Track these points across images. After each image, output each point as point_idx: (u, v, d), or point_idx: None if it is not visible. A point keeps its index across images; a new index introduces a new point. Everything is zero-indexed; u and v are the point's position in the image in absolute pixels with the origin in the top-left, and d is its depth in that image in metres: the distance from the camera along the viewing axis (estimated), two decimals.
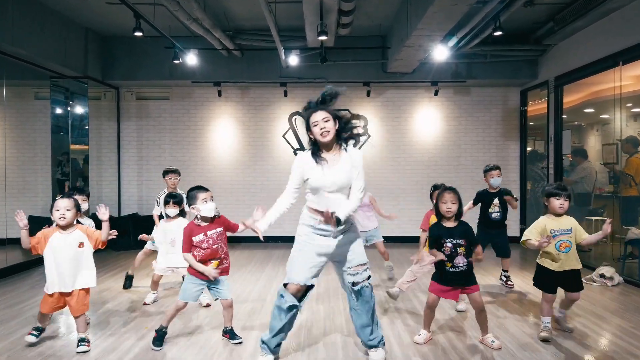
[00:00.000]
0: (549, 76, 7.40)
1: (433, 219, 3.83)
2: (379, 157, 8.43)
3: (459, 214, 3.49)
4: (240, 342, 3.54)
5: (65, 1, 6.28)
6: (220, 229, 3.52)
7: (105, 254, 7.27)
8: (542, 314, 3.70)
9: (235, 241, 7.93)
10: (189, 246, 3.45)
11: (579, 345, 3.55)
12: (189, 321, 4.10)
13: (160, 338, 3.48)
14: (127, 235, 7.76)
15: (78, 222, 3.67)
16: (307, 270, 3.09)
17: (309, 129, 3.07)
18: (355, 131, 3.17)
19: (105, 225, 3.48)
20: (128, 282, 5.23)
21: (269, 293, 5.02)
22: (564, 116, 7.33)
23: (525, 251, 7.69)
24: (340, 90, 3.12)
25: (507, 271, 5.32)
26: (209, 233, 3.46)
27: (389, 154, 8.48)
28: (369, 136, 8.48)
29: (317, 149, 3.08)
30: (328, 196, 3.02)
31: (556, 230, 3.57)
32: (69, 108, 7.58)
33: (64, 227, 3.42)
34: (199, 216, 3.47)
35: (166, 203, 4.45)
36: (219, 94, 8.12)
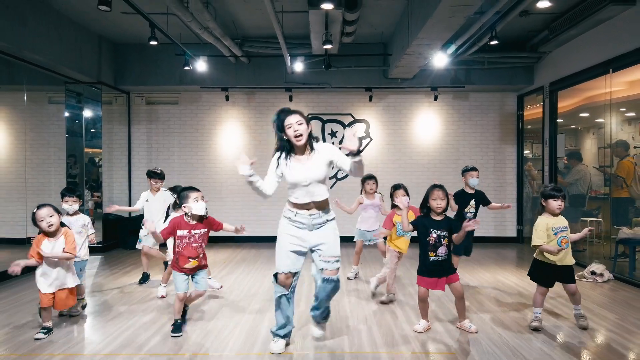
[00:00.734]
0: (544, 82, 7.70)
1: (396, 218, 4.39)
2: (380, 160, 8.71)
3: (445, 209, 3.80)
4: (180, 336, 3.75)
5: (81, 11, 6.58)
6: (204, 230, 3.81)
7: (117, 253, 7.56)
8: (534, 305, 3.98)
9: (231, 240, 8.22)
10: (168, 232, 3.73)
11: (568, 335, 3.83)
12: (203, 311, 4.38)
13: (178, 328, 3.78)
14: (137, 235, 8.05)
15: (62, 224, 3.93)
16: (286, 258, 3.38)
17: (282, 130, 3.33)
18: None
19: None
20: (143, 279, 5.57)
21: (260, 288, 5.31)
22: (560, 120, 7.61)
23: (523, 249, 7.97)
24: None
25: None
26: (192, 232, 3.75)
27: (390, 157, 8.77)
28: (371, 139, 8.78)
29: (289, 149, 3.38)
30: (306, 188, 3.32)
31: (557, 228, 3.85)
32: (83, 112, 7.87)
33: (52, 234, 3.73)
34: (189, 214, 3.75)
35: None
36: (227, 98, 8.42)
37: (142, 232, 5.50)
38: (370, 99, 8.53)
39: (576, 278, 5.61)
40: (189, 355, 3.39)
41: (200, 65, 7.38)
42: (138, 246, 5.52)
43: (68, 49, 6.83)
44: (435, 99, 8.46)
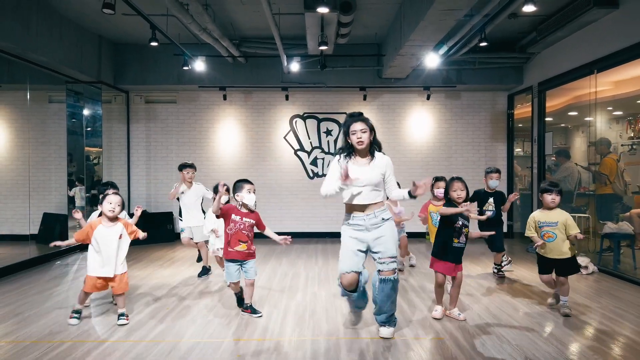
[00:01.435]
0: (533, 82, 7.93)
1: (432, 208, 4.78)
2: None
3: (466, 199, 4.04)
4: (261, 316, 4.14)
5: (82, 12, 6.74)
6: (253, 221, 4.12)
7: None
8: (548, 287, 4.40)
9: None
10: (221, 212, 4.03)
11: (552, 323, 4.05)
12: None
13: (253, 310, 4.17)
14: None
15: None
16: (349, 259, 3.60)
17: (347, 134, 3.65)
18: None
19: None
20: (202, 272, 5.78)
21: (273, 281, 5.52)
22: (549, 119, 7.85)
23: (514, 244, 8.20)
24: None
25: (499, 264, 5.79)
26: (244, 219, 4.08)
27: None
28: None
29: (351, 152, 3.66)
30: (358, 189, 3.55)
31: (542, 222, 4.15)
32: (83, 111, 8.03)
33: (110, 220, 3.94)
34: (241, 203, 4.08)
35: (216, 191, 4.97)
36: (224, 97, 8.60)
37: (181, 223, 5.77)
38: (364, 98, 8.73)
39: None
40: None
41: (199, 65, 7.56)
42: (182, 235, 5.73)
43: (69, 49, 6.98)
44: (428, 98, 8.67)
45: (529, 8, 5.07)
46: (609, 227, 6.18)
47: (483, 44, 6.11)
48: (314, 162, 8.99)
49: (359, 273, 3.62)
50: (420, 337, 3.66)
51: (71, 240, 4.03)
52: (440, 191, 4.98)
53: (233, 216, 4.05)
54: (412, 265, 6.27)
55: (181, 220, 5.83)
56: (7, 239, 7.52)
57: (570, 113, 8.05)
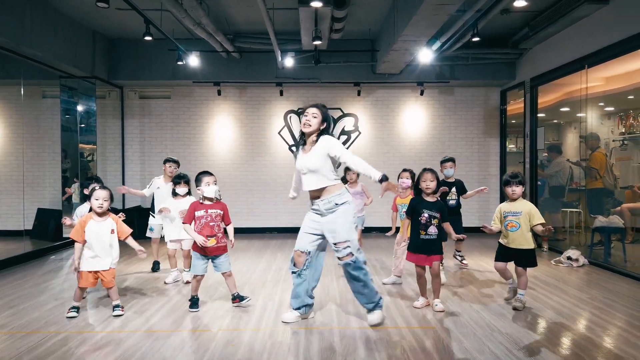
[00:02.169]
0: (525, 77, 8.00)
1: (398, 201, 4.87)
2: (368, 153, 8.97)
3: (436, 191, 4.10)
4: (249, 300, 4.21)
5: (76, 6, 6.74)
6: (219, 211, 4.10)
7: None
8: (504, 279, 4.39)
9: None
10: (190, 218, 4.04)
11: (542, 313, 4.12)
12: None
13: (195, 303, 4.10)
14: (132, 226, 8.22)
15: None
16: (303, 239, 3.76)
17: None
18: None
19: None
20: (156, 267, 5.79)
21: (268, 275, 5.56)
22: (542, 115, 7.92)
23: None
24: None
25: (460, 251, 6.04)
26: (209, 211, 4.05)
27: (378, 150, 9.03)
28: (359, 133, 9.03)
29: (305, 141, 3.79)
30: (304, 177, 3.71)
31: (507, 212, 4.16)
32: (77, 106, 8.03)
33: (100, 215, 3.94)
34: (202, 196, 4.06)
35: (177, 183, 5.04)
36: (219, 93, 8.61)
37: (152, 221, 5.65)
38: (358, 94, 8.77)
39: (552, 263, 5.96)
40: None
41: (193, 60, 7.57)
42: (149, 234, 5.67)
43: (63, 44, 6.98)
44: (422, 93, 8.72)
45: (520, 3, 5.13)
46: (599, 221, 6.27)
47: (475, 39, 6.17)
48: None
49: (308, 254, 3.75)
50: (413, 326, 3.71)
51: (77, 246, 3.92)
52: (404, 181, 5.03)
53: (196, 213, 4.01)
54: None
55: (153, 216, 5.59)
56: (2, 235, 7.51)
57: (562, 109, 8.13)
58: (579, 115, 7.07)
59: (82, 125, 8.23)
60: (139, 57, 8.35)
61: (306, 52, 7.93)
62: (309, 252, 3.76)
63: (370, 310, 3.75)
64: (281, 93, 8.66)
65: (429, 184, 4.06)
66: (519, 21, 7.24)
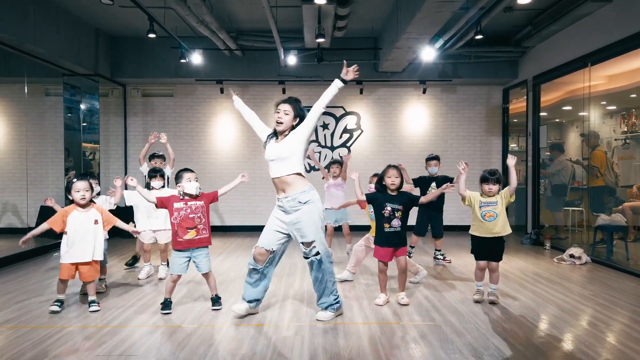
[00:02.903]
0: (528, 76, 8.00)
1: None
2: (370, 151, 8.98)
3: (400, 187, 4.14)
4: (220, 309, 4.03)
5: (79, 4, 6.76)
6: (201, 203, 4.00)
7: (114, 241, 7.74)
8: (475, 279, 4.36)
9: (226, 230, 8.45)
10: (161, 203, 3.93)
11: (544, 308, 4.13)
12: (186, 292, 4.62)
13: (167, 306, 3.97)
14: (134, 224, 8.25)
15: (92, 201, 4.17)
16: (268, 236, 3.73)
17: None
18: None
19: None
20: (132, 261, 5.80)
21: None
22: (544, 113, 7.92)
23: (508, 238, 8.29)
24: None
25: (440, 250, 6.08)
26: (188, 203, 3.95)
27: (380, 148, 9.04)
28: (362, 131, 9.04)
29: (274, 132, 3.76)
30: (270, 165, 3.67)
31: (484, 202, 4.18)
32: (80, 104, 8.04)
33: (83, 206, 3.95)
34: (182, 192, 3.98)
35: (152, 177, 5.06)
36: (221, 91, 8.63)
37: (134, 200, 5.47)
38: (361, 92, 8.78)
39: (555, 261, 5.96)
40: (195, 327, 3.64)
41: (196, 58, 7.58)
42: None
43: (66, 42, 6.99)
44: (424, 92, 8.72)
45: (523, 1, 5.15)
46: (602, 219, 6.27)
47: (479, 36, 6.18)
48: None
49: (272, 252, 3.75)
50: (416, 322, 3.72)
51: (43, 226, 3.92)
52: (372, 187, 4.93)
53: (175, 205, 3.91)
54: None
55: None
56: (5, 232, 7.52)
57: (565, 108, 8.13)
58: (581, 114, 7.07)
59: (85, 123, 8.25)
60: (142, 55, 8.37)
61: (309, 50, 7.93)
62: (274, 250, 3.73)
63: (321, 309, 3.80)
64: (284, 91, 8.66)
65: (393, 180, 4.10)
66: (522, 19, 7.24)
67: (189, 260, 3.98)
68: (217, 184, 8.91)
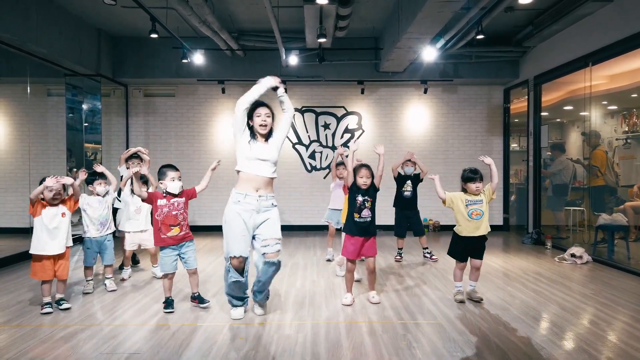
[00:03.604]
0: (529, 75, 8.01)
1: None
2: (372, 151, 8.94)
3: (371, 186, 4.17)
4: (208, 307, 4.06)
5: (81, 4, 6.77)
6: (182, 199, 3.99)
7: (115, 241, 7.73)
8: (455, 280, 4.36)
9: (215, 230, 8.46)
10: (148, 198, 3.91)
11: (545, 308, 4.13)
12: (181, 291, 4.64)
13: (170, 304, 4.00)
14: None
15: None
16: (242, 242, 3.61)
17: (250, 117, 3.71)
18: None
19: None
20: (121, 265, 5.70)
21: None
22: (545, 113, 7.93)
23: (509, 237, 8.30)
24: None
25: (426, 248, 6.13)
26: (171, 200, 3.94)
27: None
28: (363, 131, 9.05)
29: (252, 133, 3.74)
30: (259, 163, 3.65)
31: (470, 201, 4.20)
32: (82, 104, 8.06)
33: (54, 205, 4.01)
34: (165, 191, 3.96)
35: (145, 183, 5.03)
36: (223, 91, 8.64)
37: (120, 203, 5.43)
38: (362, 92, 8.79)
39: (556, 261, 5.97)
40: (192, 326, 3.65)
41: (198, 58, 7.59)
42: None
43: (68, 42, 7.01)
44: (425, 92, 8.73)
45: (524, 1, 5.15)
46: (603, 219, 6.28)
47: (480, 36, 6.19)
48: (312, 156, 9.05)
49: (246, 258, 3.68)
50: (418, 321, 3.73)
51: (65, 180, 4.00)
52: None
53: (159, 201, 3.90)
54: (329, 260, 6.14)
55: (119, 200, 5.37)
56: (7, 232, 7.54)
57: (566, 107, 8.14)
58: (582, 113, 7.07)
59: (87, 124, 8.26)
60: (144, 55, 8.39)
61: (310, 50, 7.95)
62: (247, 256, 3.70)
63: (262, 305, 3.90)
64: (285, 91, 8.65)
65: (365, 180, 4.13)
66: (523, 19, 7.25)
67: (177, 257, 4.00)
68: (219, 183, 8.97)
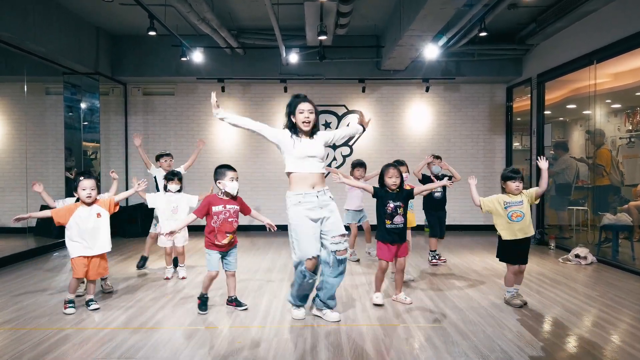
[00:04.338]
0: (532, 73, 7.92)
1: None
2: (373, 150, 8.91)
3: (400, 187, 4.10)
4: (246, 309, 4.02)
5: (80, 2, 6.70)
6: (237, 207, 3.97)
7: (115, 241, 7.66)
8: (506, 284, 4.22)
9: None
10: (202, 211, 3.86)
11: (549, 309, 4.06)
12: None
13: (204, 303, 3.96)
14: (136, 224, 8.22)
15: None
16: (314, 242, 3.58)
17: (292, 113, 3.63)
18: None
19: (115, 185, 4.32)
20: (142, 262, 5.69)
21: (272, 272, 5.51)
22: (548, 112, 7.84)
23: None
24: None
25: (434, 250, 5.96)
26: (227, 206, 3.90)
27: (383, 147, 8.97)
28: (364, 130, 8.94)
29: (295, 131, 3.68)
30: (309, 160, 3.60)
31: (508, 202, 4.08)
32: (80, 103, 7.99)
33: (88, 204, 3.94)
34: (223, 191, 3.91)
35: (169, 179, 5.03)
36: (223, 89, 8.56)
37: (156, 204, 5.31)
38: (363, 90, 8.71)
39: (560, 261, 5.90)
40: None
41: (197, 57, 7.51)
42: (154, 230, 5.46)
43: (67, 40, 6.94)
44: (427, 90, 8.65)
45: None
46: (607, 219, 6.20)
47: (483, 34, 6.08)
48: None
49: (318, 257, 3.64)
50: (420, 324, 3.66)
51: (46, 213, 3.97)
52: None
53: (214, 208, 3.84)
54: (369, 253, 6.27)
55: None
56: (5, 232, 7.47)
57: (569, 106, 8.06)
58: (585, 112, 7.00)
59: (86, 122, 8.19)
60: (143, 54, 8.31)
61: (311, 48, 7.87)
62: (318, 255, 3.65)
63: (334, 309, 3.79)
64: (285, 90, 8.60)
65: (395, 180, 4.04)
66: (526, 16, 7.16)
67: (222, 258, 3.98)
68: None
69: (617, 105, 7.27)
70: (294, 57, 7.72)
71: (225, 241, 3.86)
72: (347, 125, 3.81)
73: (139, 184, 4.30)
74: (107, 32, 8.11)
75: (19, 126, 7.71)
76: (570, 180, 7.71)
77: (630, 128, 7.05)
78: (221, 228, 3.85)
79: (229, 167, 3.96)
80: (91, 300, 4.02)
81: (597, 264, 5.90)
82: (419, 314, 3.91)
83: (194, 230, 6.00)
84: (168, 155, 5.83)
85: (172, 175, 5.09)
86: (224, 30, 6.85)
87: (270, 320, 3.77)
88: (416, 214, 5.42)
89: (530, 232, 4.08)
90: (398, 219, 4.02)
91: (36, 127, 8.10)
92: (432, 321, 3.73)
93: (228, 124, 3.73)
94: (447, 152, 8.94)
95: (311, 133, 3.69)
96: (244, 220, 4.16)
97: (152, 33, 6.02)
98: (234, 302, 4.07)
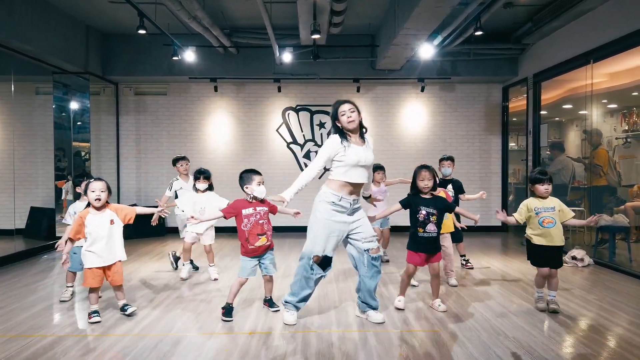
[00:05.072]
0: (528, 73, 7.85)
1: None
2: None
3: (434, 189, 3.95)
4: (278, 310, 3.99)
5: (68, 0, 6.57)
6: (266, 208, 3.89)
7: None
8: (536, 286, 4.14)
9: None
10: (230, 212, 3.80)
11: (547, 314, 3.98)
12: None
13: (229, 312, 3.84)
14: (128, 225, 8.07)
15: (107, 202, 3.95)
16: (330, 243, 3.60)
17: (336, 118, 3.63)
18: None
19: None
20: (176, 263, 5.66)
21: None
22: (544, 112, 7.77)
23: (507, 238, 8.15)
24: None
25: (464, 255, 5.81)
26: (257, 208, 3.83)
27: (377, 147, 8.76)
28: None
29: (344, 134, 3.63)
30: (360, 170, 3.59)
31: (539, 208, 3.97)
32: (70, 103, 7.86)
33: (98, 208, 3.76)
34: (252, 196, 3.83)
35: (197, 178, 4.97)
36: (215, 89, 8.45)
37: (182, 216, 5.33)
38: (358, 90, 8.61)
39: None
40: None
41: (189, 56, 7.39)
42: (182, 235, 5.43)
43: (56, 38, 6.81)
44: (422, 90, 8.56)
45: None
46: (603, 220, 6.13)
47: (478, 33, 6.01)
48: (306, 155, 8.88)
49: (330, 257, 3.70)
50: (414, 330, 3.57)
51: (68, 244, 3.83)
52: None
53: (244, 211, 3.78)
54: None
55: (182, 211, 5.21)
56: None
57: (565, 106, 7.99)
58: (581, 112, 6.92)
59: (78, 123, 8.07)
60: (134, 53, 8.19)
61: (304, 47, 7.77)
62: (332, 256, 3.65)
63: (376, 309, 3.75)
64: (279, 89, 8.50)
65: (427, 182, 3.89)
66: (522, 15, 7.09)
67: (257, 265, 3.90)
68: (214, 183, 8.75)
69: (614, 105, 7.20)
70: (287, 57, 7.62)
71: (259, 243, 3.80)
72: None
73: (162, 209, 4.14)
74: (97, 30, 7.99)
75: (7, 127, 7.57)
76: (566, 180, 7.65)
77: (627, 128, 6.99)
78: (252, 231, 3.79)
79: (255, 172, 3.89)
80: (125, 305, 3.89)
81: (594, 266, 5.83)
82: (413, 320, 3.82)
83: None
84: (183, 158, 5.82)
85: (198, 174, 5.02)
86: (216, 29, 6.74)
87: (261, 326, 3.67)
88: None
89: (561, 242, 3.94)
90: (431, 227, 3.86)
91: (25, 128, 7.96)
92: (427, 327, 3.64)
93: (305, 187, 3.66)
94: (442, 152, 8.75)
95: (361, 135, 3.68)
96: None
97: (142, 32, 5.90)
98: (267, 302, 4.09)
